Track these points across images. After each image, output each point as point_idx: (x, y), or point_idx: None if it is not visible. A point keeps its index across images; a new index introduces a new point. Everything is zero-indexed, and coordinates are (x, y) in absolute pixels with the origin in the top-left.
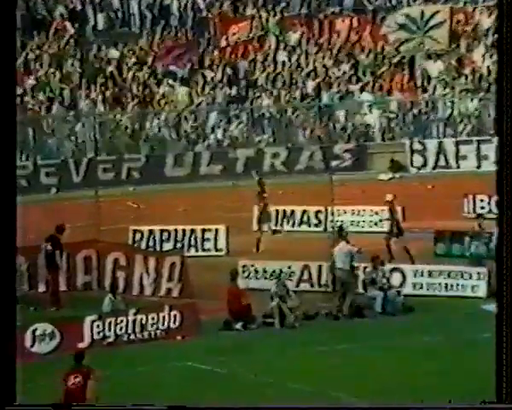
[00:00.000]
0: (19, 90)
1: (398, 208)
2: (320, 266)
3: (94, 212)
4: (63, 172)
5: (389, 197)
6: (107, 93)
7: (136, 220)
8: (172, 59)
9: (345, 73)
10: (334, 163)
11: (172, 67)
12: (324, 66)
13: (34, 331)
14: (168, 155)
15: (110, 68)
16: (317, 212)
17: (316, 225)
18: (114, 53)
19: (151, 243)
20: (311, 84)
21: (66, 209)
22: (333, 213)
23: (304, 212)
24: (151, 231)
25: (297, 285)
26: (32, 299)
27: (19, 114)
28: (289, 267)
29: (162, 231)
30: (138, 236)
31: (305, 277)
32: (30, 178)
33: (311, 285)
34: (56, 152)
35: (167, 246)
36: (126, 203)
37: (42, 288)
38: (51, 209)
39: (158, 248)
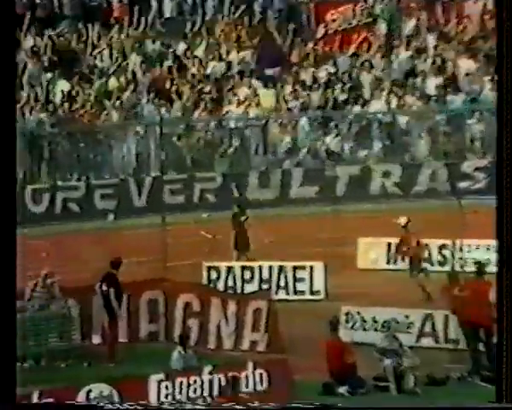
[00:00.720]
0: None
1: (417, 236)
2: (447, 317)
3: (160, 244)
4: (122, 195)
5: (402, 221)
6: (175, 96)
7: (212, 255)
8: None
9: (477, 69)
10: (462, 184)
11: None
12: (450, 61)
13: (88, 393)
14: (250, 174)
15: (177, 65)
16: (442, 247)
17: (440, 264)
18: (183, 46)
19: (230, 283)
20: (433, 84)
21: (125, 240)
22: (462, 249)
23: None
24: (230, 269)
25: (417, 340)
26: (86, 352)
27: (68, 122)
28: (407, 317)
29: (244, 268)
30: (214, 274)
31: (428, 329)
32: (82, 202)
33: (436, 341)
34: (114, 169)
35: (250, 287)
36: (199, 233)
37: (97, 339)
38: (108, 240)
39: (239, 290)
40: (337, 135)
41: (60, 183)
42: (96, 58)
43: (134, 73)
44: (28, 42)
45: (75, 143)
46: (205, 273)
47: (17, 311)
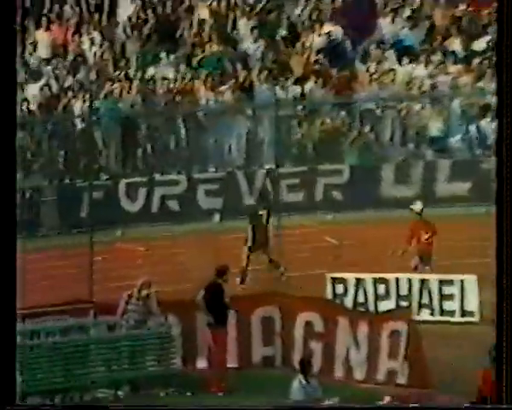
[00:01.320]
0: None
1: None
2: None
3: (275, 250)
4: (230, 191)
5: (417, 207)
6: (294, 72)
7: (338, 264)
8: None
9: None
10: None
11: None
12: None
13: None
14: (385, 166)
15: (294, 34)
16: None
17: None
18: (300, 11)
19: (361, 299)
20: None
21: (234, 245)
22: None
23: None
24: (360, 281)
25: None
26: (189, 379)
27: (166, 105)
28: None
29: (377, 280)
30: (340, 288)
31: None
32: (183, 200)
33: None
34: (220, 161)
35: (386, 304)
36: (323, 238)
37: (202, 363)
38: (213, 244)
39: (371, 308)
40: (492, 120)
41: (158, 176)
42: (199, 28)
43: (240, 44)
44: (124, 13)
45: (175, 129)
46: (329, 286)
47: (109, 328)
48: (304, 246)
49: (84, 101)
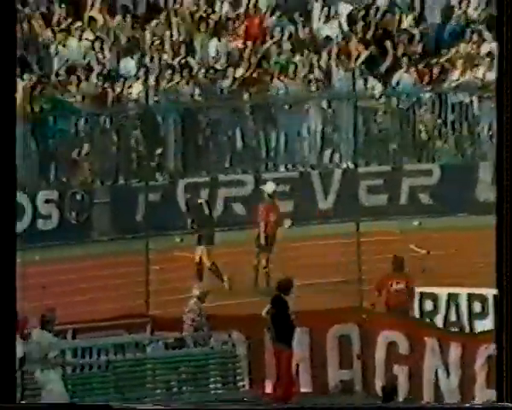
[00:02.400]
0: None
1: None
2: None
3: (352, 260)
4: (302, 193)
5: (269, 187)
6: (375, 52)
7: (426, 277)
8: None
9: None
10: None
11: None
12: None
13: None
14: (482, 165)
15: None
16: None
17: None
18: None
19: (453, 318)
20: None
21: (304, 254)
22: None
23: None
24: (452, 297)
25: None
26: (257, 404)
27: (230, 94)
28: None
29: (472, 296)
30: (429, 304)
31: None
32: (250, 203)
33: None
34: (291, 159)
35: (483, 324)
36: (409, 247)
37: (271, 387)
38: (284, 253)
39: (466, 328)
40: None
41: (221, 176)
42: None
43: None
44: None
45: (241, 123)
46: (416, 302)
47: (167, 345)
48: (386, 256)
49: (141, 90)
